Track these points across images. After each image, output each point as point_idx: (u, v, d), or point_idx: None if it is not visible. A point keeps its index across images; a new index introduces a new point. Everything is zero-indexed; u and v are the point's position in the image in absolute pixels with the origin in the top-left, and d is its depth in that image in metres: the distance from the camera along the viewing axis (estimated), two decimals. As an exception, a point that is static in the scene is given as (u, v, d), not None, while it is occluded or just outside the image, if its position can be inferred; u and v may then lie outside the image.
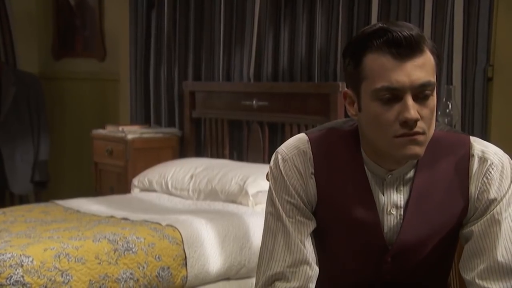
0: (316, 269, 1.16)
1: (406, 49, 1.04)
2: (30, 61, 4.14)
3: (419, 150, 1.08)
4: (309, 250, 1.15)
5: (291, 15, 2.93)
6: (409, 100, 1.05)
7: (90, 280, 1.94)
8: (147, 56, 3.65)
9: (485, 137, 2.28)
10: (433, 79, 1.07)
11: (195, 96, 3.37)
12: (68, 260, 1.92)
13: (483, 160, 1.14)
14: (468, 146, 1.15)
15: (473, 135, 2.24)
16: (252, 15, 3.11)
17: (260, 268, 1.17)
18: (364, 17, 2.65)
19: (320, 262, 1.18)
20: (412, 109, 1.05)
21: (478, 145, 1.15)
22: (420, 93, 1.06)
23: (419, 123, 1.06)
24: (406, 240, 1.15)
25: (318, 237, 1.19)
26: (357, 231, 1.15)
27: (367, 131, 1.12)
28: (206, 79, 3.35)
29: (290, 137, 1.24)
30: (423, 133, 1.07)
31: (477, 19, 2.29)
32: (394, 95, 1.05)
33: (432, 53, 1.08)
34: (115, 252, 2.02)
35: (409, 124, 1.05)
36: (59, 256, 1.91)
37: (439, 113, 2.30)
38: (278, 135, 3.01)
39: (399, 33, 1.03)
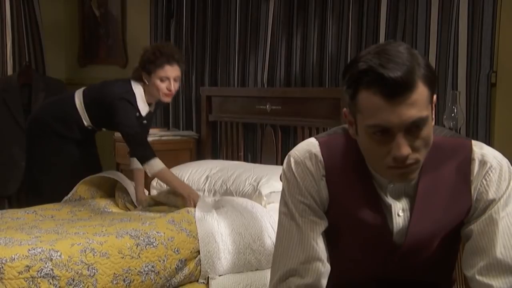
0: (328, 266, 1.17)
1: (396, 89, 1.00)
2: (58, 68, 4.20)
3: (413, 176, 1.09)
4: (321, 247, 1.16)
5: (303, 23, 2.93)
6: (400, 139, 1.03)
7: (114, 273, 1.96)
8: (167, 63, 3.68)
9: (489, 140, 2.27)
10: (425, 112, 1.04)
11: (211, 101, 3.39)
12: (93, 254, 1.95)
13: (483, 163, 1.14)
14: (469, 150, 1.15)
15: (477, 138, 2.25)
16: (266, 23, 3.12)
17: (275, 265, 1.18)
18: (373, 25, 2.65)
19: (331, 259, 1.19)
20: (403, 146, 1.03)
21: (478, 149, 1.16)
22: (412, 128, 1.04)
23: (412, 155, 1.05)
24: (412, 241, 1.16)
25: (329, 235, 1.20)
26: (366, 232, 1.16)
27: (364, 155, 1.12)
28: (222, 84, 3.37)
29: (302, 139, 1.25)
30: (416, 162, 1.07)
31: (480, 27, 2.28)
32: (386, 132, 1.04)
33: (425, 82, 1.03)
34: (137, 246, 2.04)
35: (400, 161, 1.05)
36: (85, 251, 1.94)
37: (445, 116, 2.29)
38: (290, 138, 3.02)
39: (388, 75, 0.99)
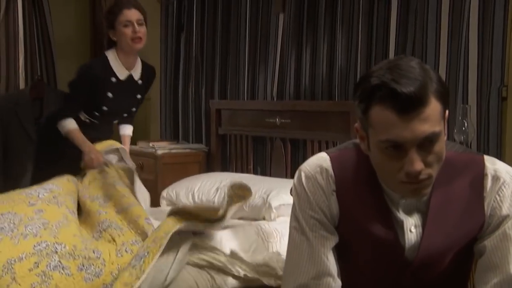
0: (338, 281, 1.17)
1: (408, 104, 1.00)
2: (69, 82, 4.23)
3: (426, 191, 1.08)
4: (332, 263, 1.16)
5: (313, 36, 2.95)
6: (413, 154, 1.02)
7: (116, 248, 2.02)
8: (176, 76, 3.71)
9: (500, 154, 2.26)
10: (438, 127, 1.04)
11: (221, 114, 3.41)
12: (93, 241, 2.04)
13: (495, 178, 1.14)
14: (482, 165, 1.15)
15: (488, 152, 2.24)
16: (276, 36, 3.14)
17: (286, 280, 1.18)
18: (383, 38, 2.66)
19: (342, 274, 1.19)
20: (416, 162, 1.02)
21: (491, 164, 1.16)
22: (425, 143, 1.03)
23: (424, 170, 1.04)
24: (425, 257, 1.15)
25: (340, 250, 1.19)
26: (378, 247, 1.15)
27: (376, 170, 1.12)
28: (232, 97, 3.38)
29: (312, 153, 1.26)
30: (429, 177, 1.06)
31: (491, 41, 2.28)
32: (398, 148, 1.04)
33: (438, 98, 1.03)
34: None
35: (413, 176, 1.04)
36: (85, 242, 2.01)
37: (455, 130, 2.28)
38: (300, 151, 3.02)
39: (401, 90, 0.99)
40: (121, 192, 2.36)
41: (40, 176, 2.72)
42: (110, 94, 2.61)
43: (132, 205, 2.27)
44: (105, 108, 2.63)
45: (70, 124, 2.56)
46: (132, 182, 2.57)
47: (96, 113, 2.67)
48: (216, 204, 2.55)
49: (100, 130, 2.73)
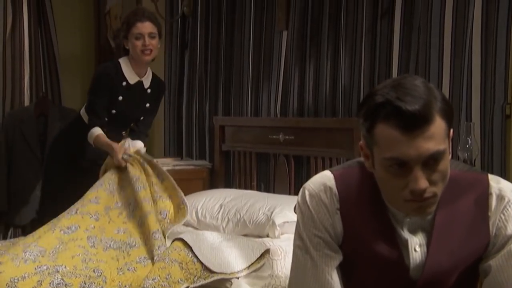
0: (343, 301, 1.16)
1: (413, 122, 1.01)
2: (74, 99, 4.26)
3: (430, 210, 1.08)
4: (336, 282, 1.16)
5: (316, 54, 2.97)
6: (418, 172, 1.02)
7: (117, 267, 2.04)
8: (180, 92, 3.73)
9: (504, 172, 2.25)
10: (443, 145, 1.04)
11: (224, 130, 3.42)
12: (93, 262, 2.05)
13: (500, 197, 1.14)
14: (486, 185, 1.15)
15: (492, 170, 2.23)
16: (279, 54, 3.17)
17: (290, 299, 1.17)
18: (386, 55, 2.67)
19: (346, 292, 1.18)
20: (420, 180, 1.03)
21: (495, 183, 1.16)
22: (429, 161, 1.04)
23: (429, 189, 1.04)
24: (429, 276, 1.14)
25: (344, 269, 1.19)
26: (382, 266, 1.15)
27: (380, 188, 1.12)
28: (235, 114, 3.40)
29: (315, 169, 1.26)
30: (433, 196, 1.06)
31: (494, 58, 2.29)
32: (403, 165, 1.04)
33: (442, 116, 1.04)
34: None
35: (418, 194, 1.04)
36: (85, 260, 2.04)
37: (459, 148, 2.28)
38: (303, 168, 3.02)
39: (406, 107, 1.00)
40: (142, 198, 2.39)
41: (51, 194, 2.75)
42: (120, 97, 2.68)
43: (147, 214, 2.31)
44: (114, 111, 2.68)
45: (95, 132, 2.60)
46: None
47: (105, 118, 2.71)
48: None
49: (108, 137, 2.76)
